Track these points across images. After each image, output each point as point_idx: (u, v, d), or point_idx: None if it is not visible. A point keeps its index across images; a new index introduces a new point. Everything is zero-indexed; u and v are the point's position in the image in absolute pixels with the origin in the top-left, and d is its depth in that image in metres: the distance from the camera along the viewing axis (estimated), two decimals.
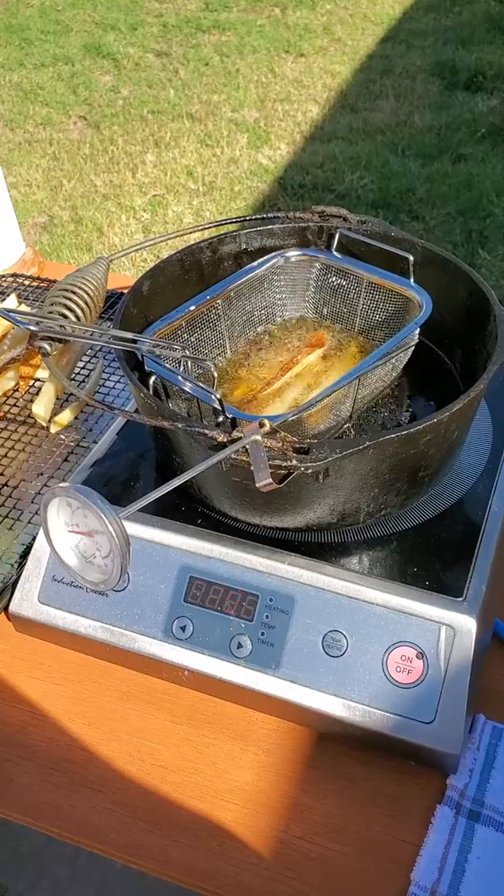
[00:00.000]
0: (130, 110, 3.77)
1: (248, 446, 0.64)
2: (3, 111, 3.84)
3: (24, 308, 1.14)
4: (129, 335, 0.76)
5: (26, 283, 1.26)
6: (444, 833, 0.68)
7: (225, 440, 0.65)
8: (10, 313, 0.73)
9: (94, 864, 1.44)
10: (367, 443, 0.66)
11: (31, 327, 0.75)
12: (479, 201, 2.96)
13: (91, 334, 0.79)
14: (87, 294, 0.80)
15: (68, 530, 0.59)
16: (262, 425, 0.65)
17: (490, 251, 2.73)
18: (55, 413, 1.00)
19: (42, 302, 1.20)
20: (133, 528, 0.77)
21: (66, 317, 0.78)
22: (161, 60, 4.19)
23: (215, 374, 0.74)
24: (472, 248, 2.75)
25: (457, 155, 3.24)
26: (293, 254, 0.92)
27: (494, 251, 2.73)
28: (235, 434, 0.65)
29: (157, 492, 0.59)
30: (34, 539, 0.83)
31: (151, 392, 0.77)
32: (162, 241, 0.94)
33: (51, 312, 0.78)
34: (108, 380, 1.07)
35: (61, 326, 0.77)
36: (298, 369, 0.87)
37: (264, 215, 0.93)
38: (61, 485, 0.57)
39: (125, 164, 3.39)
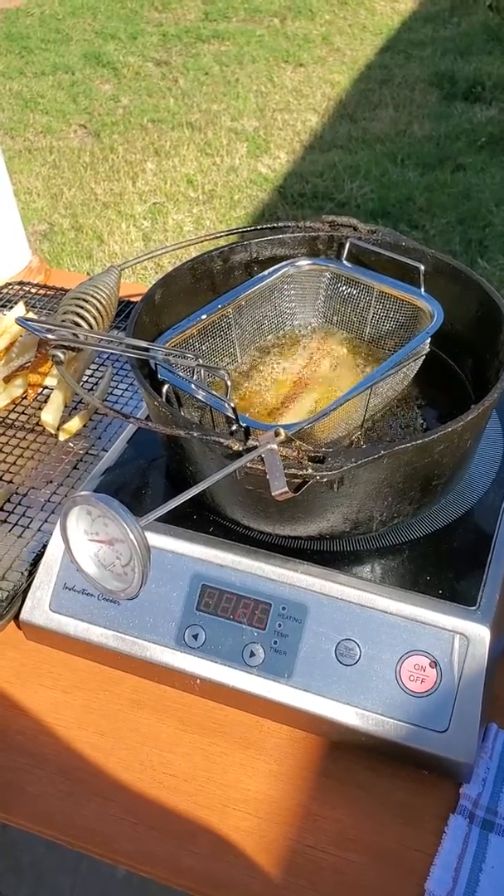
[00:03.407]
0: (130, 119, 3.78)
1: (263, 455, 0.64)
2: (3, 119, 3.84)
3: (31, 316, 1.14)
4: (143, 344, 0.76)
5: (33, 291, 1.26)
6: (457, 842, 0.68)
7: (241, 449, 0.65)
8: (28, 321, 0.74)
9: (95, 874, 1.43)
10: (383, 452, 0.66)
11: (47, 335, 0.75)
12: (477, 211, 2.97)
13: (104, 343, 0.79)
14: (100, 303, 0.81)
15: (88, 539, 0.59)
16: (277, 434, 0.65)
17: (489, 260, 2.74)
18: (64, 421, 1.00)
19: (49, 310, 1.20)
20: None
21: (79, 325, 0.79)
22: (161, 69, 4.20)
23: (229, 383, 0.74)
24: (472, 258, 2.76)
25: (456, 164, 3.25)
26: (303, 263, 0.93)
27: (494, 260, 2.74)
28: (251, 443, 0.65)
29: (176, 500, 0.59)
30: (45, 547, 0.83)
31: (164, 399, 0.77)
32: (174, 250, 0.95)
33: (63, 321, 0.79)
34: (116, 388, 1.07)
35: (75, 335, 0.77)
36: (309, 379, 0.87)
37: (274, 224, 0.93)
38: (81, 493, 0.57)
39: (125, 173, 3.40)
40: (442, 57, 4.03)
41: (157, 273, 2.69)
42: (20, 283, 1.28)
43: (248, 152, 3.49)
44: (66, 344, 0.75)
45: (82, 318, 0.79)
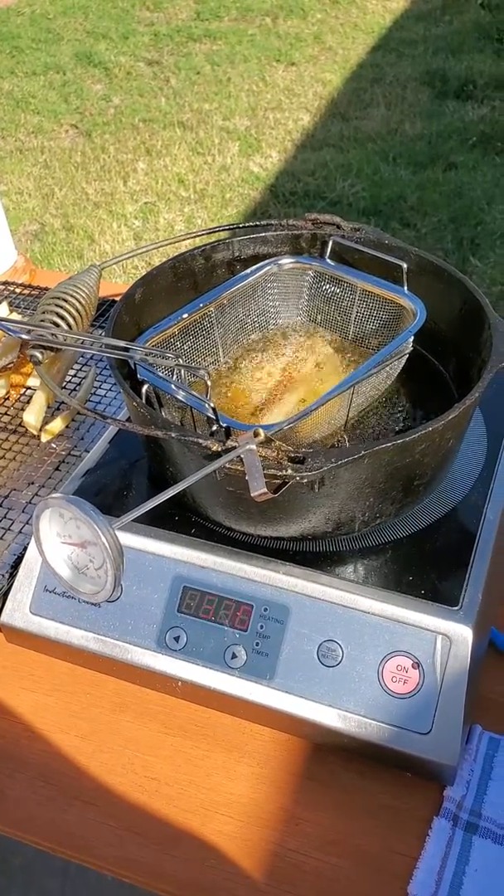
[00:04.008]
0: (122, 119, 3.77)
1: (242, 456, 0.63)
2: None
3: (15, 316, 1.13)
4: (122, 343, 0.75)
5: (17, 290, 1.25)
6: (441, 845, 0.67)
7: (219, 449, 0.65)
8: (2, 322, 0.73)
9: (85, 877, 1.43)
10: (363, 452, 0.65)
11: (23, 335, 0.74)
12: (469, 209, 2.97)
13: (83, 342, 0.79)
14: (79, 302, 0.80)
15: (61, 541, 0.58)
16: (256, 434, 0.65)
17: (481, 258, 2.74)
18: (46, 422, 0.99)
19: (34, 310, 1.19)
20: (126, 538, 0.76)
21: (57, 325, 0.78)
22: (152, 69, 4.19)
23: (209, 383, 0.73)
24: (464, 256, 2.76)
25: (447, 163, 3.25)
26: (286, 261, 0.92)
27: (485, 258, 2.74)
28: (230, 443, 0.65)
29: (151, 502, 0.59)
30: (25, 549, 0.82)
31: (144, 401, 0.76)
32: (154, 249, 0.94)
33: (42, 321, 0.78)
34: (99, 387, 1.06)
35: (53, 335, 0.76)
36: (292, 378, 0.87)
37: (257, 223, 0.93)
38: (53, 495, 0.56)
39: (116, 172, 3.39)
40: (434, 55, 4.02)
41: None
42: (4, 283, 1.27)
43: (239, 151, 3.49)
44: (43, 344, 0.74)
45: (61, 317, 0.78)
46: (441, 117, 3.56)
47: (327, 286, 0.92)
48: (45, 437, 0.98)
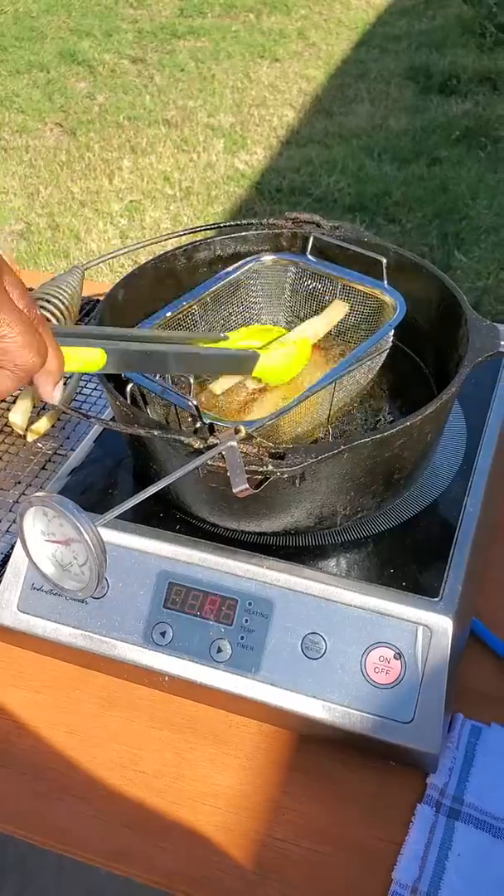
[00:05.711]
0: (106, 117, 3.77)
1: (224, 452, 0.64)
2: None
3: None
4: None
5: None
6: (424, 831, 0.69)
7: (201, 447, 0.66)
8: None
9: (79, 871, 1.43)
10: (342, 447, 0.66)
11: None
12: (454, 204, 2.98)
13: None
14: (62, 303, 0.81)
15: (45, 539, 0.59)
16: (238, 431, 0.66)
17: (466, 253, 2.75)
18: (32, 421, 1.00)
19: None
20: (111, 535, 0.77)
21: None
22: (136, 67, 4.19)
23: (191, 381, 0.74)
24: (448, 251, 2.77)
25: (432, 158, 3.26)
26: (268, 258, 0.93)
27: (470, 253, 2.75)
28: (212, 440, 0.66)
29: (134, 499, 0.60)
30: (12, 548, 0.83)
31: (129, 399, 0.77)
32: (138, 248, 0.95)
33: None
34: (84, 387, 1.07)
35: None
36: None
37: (238, 222, 0.94)
38: (37, 494, 0.57)
39: (102, 171, 3.39)
40: (417, 51, 4.03)
41: None
42: None
43: (224, 148, 3.49)
44: None
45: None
46: (425, 112, 3.57)
47: (309, 282, 0.93)
48: (30, 437, 0.99)
